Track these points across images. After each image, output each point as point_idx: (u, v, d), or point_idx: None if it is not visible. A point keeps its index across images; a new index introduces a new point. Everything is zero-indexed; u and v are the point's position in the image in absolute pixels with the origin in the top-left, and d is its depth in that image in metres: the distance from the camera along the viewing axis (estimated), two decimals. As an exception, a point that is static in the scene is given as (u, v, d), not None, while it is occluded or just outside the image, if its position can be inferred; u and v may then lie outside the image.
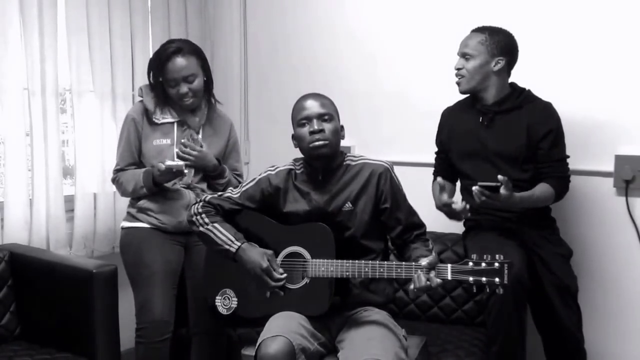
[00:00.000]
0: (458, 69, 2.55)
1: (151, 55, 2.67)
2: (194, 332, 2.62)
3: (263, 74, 3.63)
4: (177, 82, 2.53)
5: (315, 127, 2.16)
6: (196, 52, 2.59)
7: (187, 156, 2.52)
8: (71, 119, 2.98)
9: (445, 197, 2.40)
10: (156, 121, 2.59)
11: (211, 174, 2.64)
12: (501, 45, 2.49)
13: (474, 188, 2.27)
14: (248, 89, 3.68)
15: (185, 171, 2.49)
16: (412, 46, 3.15)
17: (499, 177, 2.24)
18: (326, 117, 2.19)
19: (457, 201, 2.43)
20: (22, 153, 2.74)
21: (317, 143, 2.16)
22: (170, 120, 2.61)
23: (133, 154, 2.62)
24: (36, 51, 2.76)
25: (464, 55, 2.53)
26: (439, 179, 2.69)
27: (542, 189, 2.45)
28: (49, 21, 2.80)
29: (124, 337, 2.53)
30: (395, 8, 3.18)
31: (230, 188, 2.37)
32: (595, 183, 2.77)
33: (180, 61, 2.52)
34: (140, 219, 2.62)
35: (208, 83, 2.66)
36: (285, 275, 2.15)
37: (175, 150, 2.58)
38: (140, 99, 2.65)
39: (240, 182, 2.77)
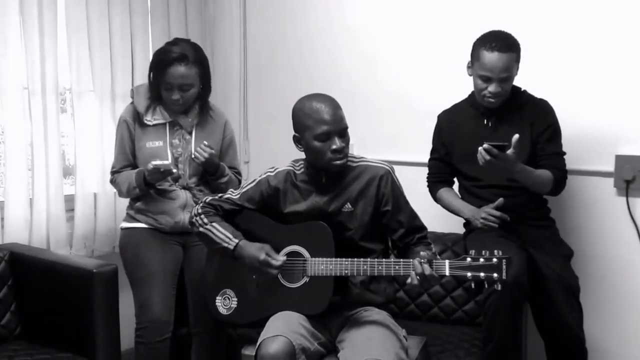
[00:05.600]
0: (498, 92, 2.44)
1: (152, 54, 2.67)
2: (194, 332, 2.63)
3: (263, 74, 3.62)
4: (172, 87, 2.52)
5: (339, 145, 2.09)
6: (199, 62, 2.55)
7: (199, 156, 2.52)
8: (71, 118, 2.99)
9: (490, 207, 2.42)
10: (147, 123, 2.59)
11: (213, 174, 2.64)
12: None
13: (480, 148, 2.25)
14: (247, 89, 3.68)
15: (174, 170, 2.49)
16: (411, 46, 3.15)
17: (516, 135, 2.25)
18: (344, 132, 2.14)
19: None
20: (22, 153, 2.74)
21: (338, 162, 2.12)
22: (161, 121, 2.61)
23: (127, 156, 2.63)
24: (36, 51, 2.76)
25: (502, 79, 2.42)
26: (448, 189, 2.68)
27: (542, 171, 2.46)
28: (48, 21, 2.80)
29: (124, 337, 2.53)
30: (395, 8, 3.18)
31: (231, 189, 2.36)
32: (595, 183, 2.77)
33: (181, 70, 2.49)
34: (139, 219, 2.63)
35: (205, 90, 2.64)
36: (284, 258, 2.13)
37: (169, 151, 2.58)
38: (132, 100, 2.64)
39: (239, 180, 2.77)
